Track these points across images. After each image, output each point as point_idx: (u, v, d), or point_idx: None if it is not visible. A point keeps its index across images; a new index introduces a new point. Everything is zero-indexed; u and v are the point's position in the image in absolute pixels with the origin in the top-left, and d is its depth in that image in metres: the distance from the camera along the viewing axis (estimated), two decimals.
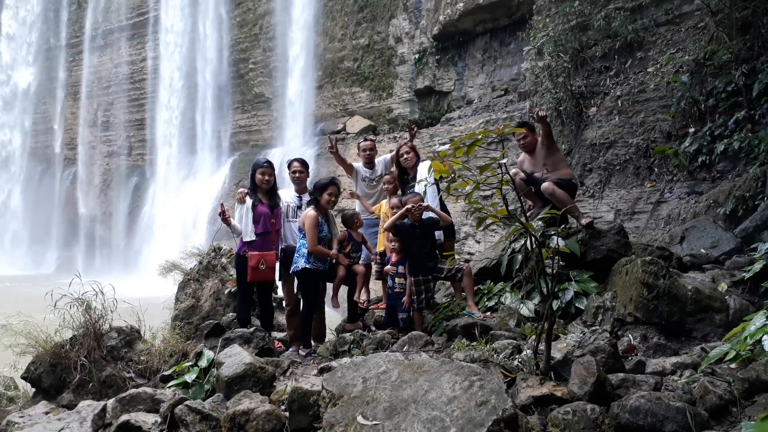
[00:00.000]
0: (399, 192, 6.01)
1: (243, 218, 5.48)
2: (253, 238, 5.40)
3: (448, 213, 5.96)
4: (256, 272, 5.33)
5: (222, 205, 5.74)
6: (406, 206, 5.03)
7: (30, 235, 29.05)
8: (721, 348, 3.22)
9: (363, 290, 5.71)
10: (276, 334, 6.13)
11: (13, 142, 30.82)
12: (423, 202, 5.22)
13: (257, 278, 5.39)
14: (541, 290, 3.23)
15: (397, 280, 5.20)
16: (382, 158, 6.62)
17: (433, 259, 5.18)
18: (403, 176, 6.05)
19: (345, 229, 5.71)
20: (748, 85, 6.92)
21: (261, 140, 22.05)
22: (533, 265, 3.15)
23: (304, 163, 5.86)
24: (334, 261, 5.41)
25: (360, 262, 5.70)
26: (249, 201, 5.51)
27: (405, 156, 5.99)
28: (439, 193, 5.79)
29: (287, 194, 5.82)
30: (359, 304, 5.71)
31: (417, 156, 6.07)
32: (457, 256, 6.26)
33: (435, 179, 5.30)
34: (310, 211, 5.14)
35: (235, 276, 6.95)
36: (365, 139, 6.64)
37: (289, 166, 5.85)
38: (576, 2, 9.83)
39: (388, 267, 5.34)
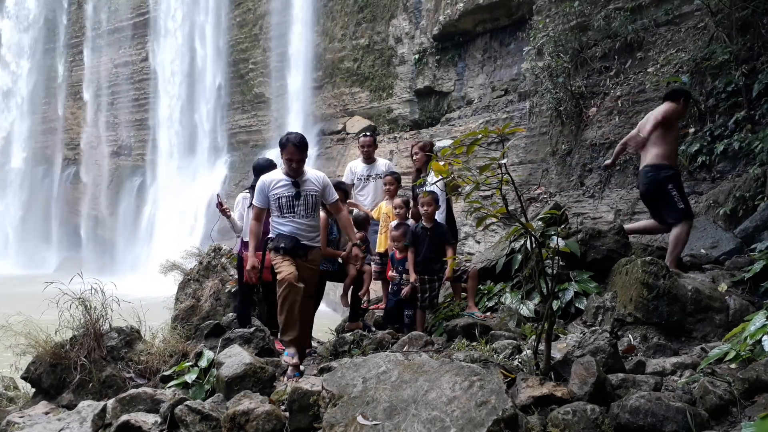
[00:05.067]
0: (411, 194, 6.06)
1: (244, 217, 5.49)
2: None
3: (453, 215, 5.97)
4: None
5: (218, 196, 5.70)
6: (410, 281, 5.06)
7: (30, 235, 29.03)
8: (721, 348, 3.22)
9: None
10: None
11: (13, 143, 30.82)
12: (437, 201, 5.24)
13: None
14: (541, 290, 3.23)
15: (405, 276, 5.20)
16: (385, 161, 6.83)
17: (439, 261, 5.19)
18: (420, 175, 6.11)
19: (358, 231, 5.71)
20: (748, 86, 6.92)
21: (261, 140, 22.05)
22: (533, 265, 3.15)
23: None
24: (342, 261, 5.44)
25: None
26: (248, 201, 5.53)
27: (414, 156, 6.07)
28: (447, 195, 5.77)
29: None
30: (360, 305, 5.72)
31: (428, 155, 6.04)
32: (458, 257, 6.25)
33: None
34: (321, 213, 5.16)
35: (235, 276, 6.97)
36: (364, 135, 6.70)
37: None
38: (576, 2, 9.83)
39: (392, 274, 5.30)
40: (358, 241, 4.81)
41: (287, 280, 4.29)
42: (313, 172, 4.70)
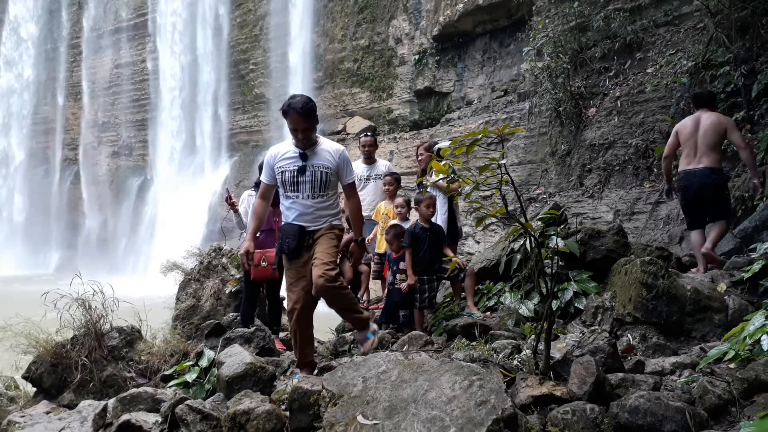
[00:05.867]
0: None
1: (249, 214, 5.53)
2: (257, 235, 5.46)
3: (456, 219, 6.00)
4: (257, 270, 5.35)
5: (227, 190, 5.78)
6: (409, 283, 5.01)
7: (30, 235, 29.03)
8: (720, 348, 3.23)
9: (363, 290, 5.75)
10: (283, 335, 6.10)
11: (13, 143, 30.83)
12: (436, 203, 5.27)
13: (259, 276, 5.41)
14: (540, 290, 3.24)
15: (398, 276, 5.21)
16: (385, 162, 6.82)
17: (438, 261, 5.20)
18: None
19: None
20: (747, 86, 6.93)
21: (261, 141, 22.05)
22: (533, 265, 3.16)
23: None
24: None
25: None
26: (253, 198, 5.59)
27: (419, 157, 6.12)
28: (450, 199, 5.78)
29: None
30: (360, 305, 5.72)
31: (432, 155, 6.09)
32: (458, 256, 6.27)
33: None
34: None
35: (236, 276, 6.99)
36: (365, 135, 6.71)
37: None
38: (575, 3, 9.84)
39: (404, 285, 5.19)
40: (361, 238, 4.14)
41: (294, 311, 3.83)
42: (329, 144, 4.00)
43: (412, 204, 5.80)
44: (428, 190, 5.47)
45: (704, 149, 5.30)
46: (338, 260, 4.01)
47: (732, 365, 3.03)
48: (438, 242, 5.20)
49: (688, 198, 5.51)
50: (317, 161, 3.82)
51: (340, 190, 4.13)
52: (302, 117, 3.70)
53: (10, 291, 18.38)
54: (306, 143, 3.81)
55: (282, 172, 3.83)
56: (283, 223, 3.95)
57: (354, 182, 4.06)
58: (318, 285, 3.64)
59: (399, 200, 5.71)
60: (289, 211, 3.88)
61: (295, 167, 3.79)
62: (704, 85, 7.57)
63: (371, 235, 6.05)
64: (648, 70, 8.82)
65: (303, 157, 3.79)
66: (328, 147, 3.91)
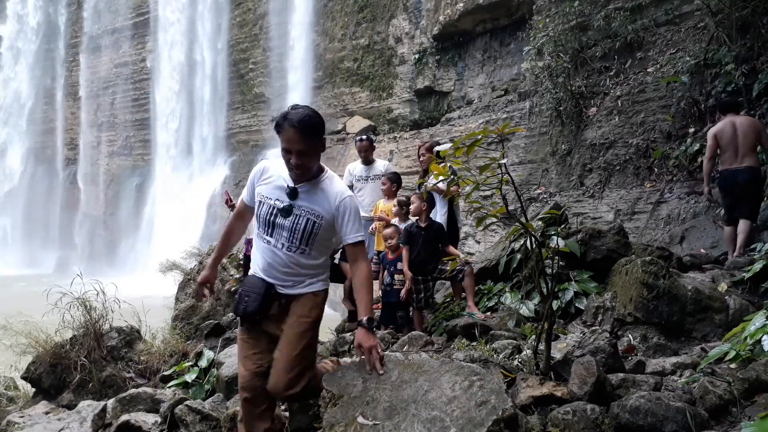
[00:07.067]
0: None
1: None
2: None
3: (456, 220, 5.98)
4: None
5: (227, 192, 5.80)
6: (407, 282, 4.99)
7: (29, 235, 29.07)
8: (720, 348, 3.22)
9: None
10: None
11: (13, 142, 30.84)
12: (424, 198, 5.25)
13: None
14: (540, 290, 3.23)
15: (396, 276, 5.19)
16: (384, 162, 6.79)
17: (435, 261, 5.18)
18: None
19: None
20: (748, 86, 6.92)
21: (261, 140, 22.06)
22: (533, 265, 3.15)
23: None
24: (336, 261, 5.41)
25: None
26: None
27: (421, 158, 6.12)
28: (451, 200, 5.76)
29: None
30: None
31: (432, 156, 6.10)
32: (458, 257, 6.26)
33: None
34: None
35: (235, 276, 6.99)
36: (360, 140, 6.62)
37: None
38: (576, 2, 9.83)
39: (402, 292, 5.10)
40: (367, 318, 2.75)
41: (244, 400, 2.75)
42: (333, 184, 2.81)
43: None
44: (428, 189, 5.46)
45: (745, 150, 5.66)
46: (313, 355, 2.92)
47: (733, 365, 3.02)
48: (434, 242, 5.17)
49: (735, 194, 5.72)
50: (307, 203, 2.72)
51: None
52: (299, 134, 2.59)
53: (9, 291, 18.37)
54: (301, 174, 2.69)
55: (260, 202, 2.79)
56: (250, 273, 2.87)
57: (362, 242, 2.81)
58: (274, 392, 2.75)
59: (400, 199, 5.71)
60: (256, 256, 2.84)
61: (279, 203, 2.73)
62: (705, 84, 7.57)
63: (372, 227, 6.05)
64: (649, 70, 8.82)
65: (292, 193, 2.71)
66: (328, 187, 2.77)
